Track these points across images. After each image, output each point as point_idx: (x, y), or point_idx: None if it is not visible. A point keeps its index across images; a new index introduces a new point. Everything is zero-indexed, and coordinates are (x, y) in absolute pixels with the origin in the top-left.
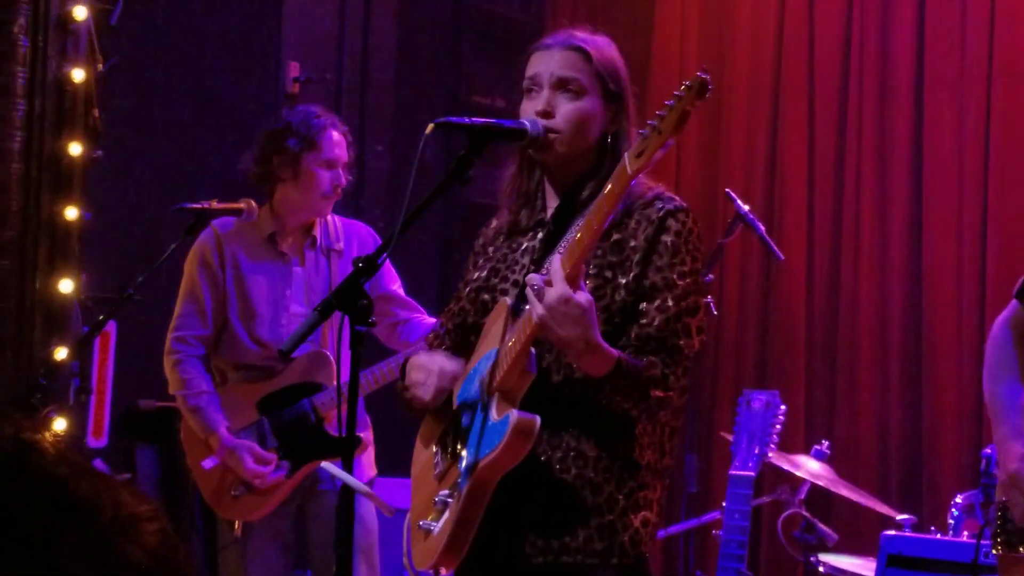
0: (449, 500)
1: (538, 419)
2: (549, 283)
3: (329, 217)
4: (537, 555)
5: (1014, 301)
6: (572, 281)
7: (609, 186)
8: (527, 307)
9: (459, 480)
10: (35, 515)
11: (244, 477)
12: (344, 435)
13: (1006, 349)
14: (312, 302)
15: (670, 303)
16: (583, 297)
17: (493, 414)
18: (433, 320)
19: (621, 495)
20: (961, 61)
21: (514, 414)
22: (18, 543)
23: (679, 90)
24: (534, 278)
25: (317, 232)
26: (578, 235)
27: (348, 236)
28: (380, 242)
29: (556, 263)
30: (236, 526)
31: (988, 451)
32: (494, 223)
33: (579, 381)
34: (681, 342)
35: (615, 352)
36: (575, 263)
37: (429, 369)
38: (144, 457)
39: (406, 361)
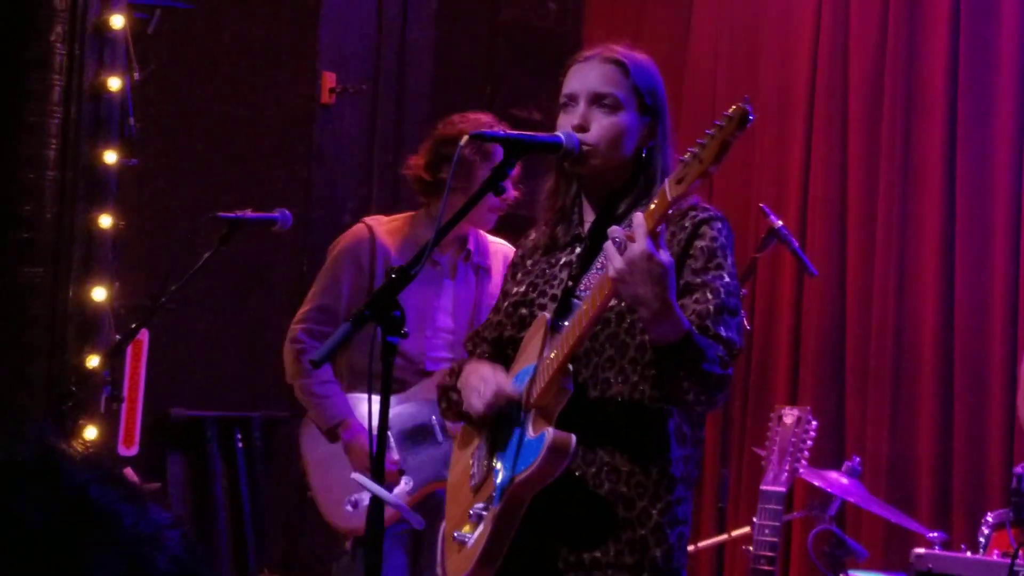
0: (484, 513)
1: (574, 437)
2: (631, 237)
3: (480, 234)
4: (569, 570)
5: None
6: (654, 238)
7: (651, 207)
8: (566, 323)
9: (494, 494)
10: (58, 522)
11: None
12: (379, 450)
13: None
14: (459, 317)
15: (709, 296)
16: (665, 256)
17: (530, 430)
18: None
19: (655, 510)
20: (996, 78)
21: (550, 432)
22: (40, 550)
23: (721, 119)
24: (616, 230)
25: (471, 246)
26: (650, 210)
27: (495, 254)
28: None
29: (639, 219)
30: (347, 541)
31: (1019, 469)
32: (532, 235)
33: (614, 397)
34: (723, 333)
35: (686, 321)
36: (655, 223)
37: (488, 380)
38: (175, 465)
39: (461, 364)
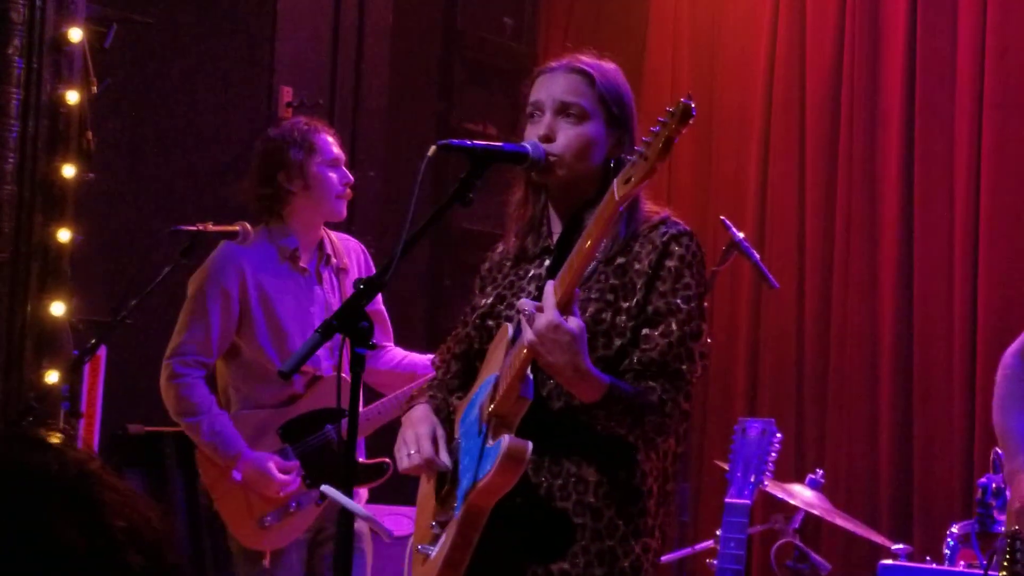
0: (445, 524)
1: (530, 444)
2: (540, 309)
3: (330, 233)
4: None
5: None
6: (564, 307)
7: (597, 212)
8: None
9: (455, 505)
10: (43, 501)
11: (272, 490)
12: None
13: (1016, 381)
14: None
15: (673, 327)
16: (574, 323)
17: (489, 439)
18: (402, 352)
19: (622, 520)
20: (952, 92)
21: (506, 439)
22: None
23: (663, 116)
24: (525, 303)
25: (328, 249)
26: (569, 261)
27: (347, 252)
28: (369, 256)
29: (548, 289)
30: (266, 557)
31: (984, 480)
32: (500, 247)
33: (579, 408)
34: (684, 367)
35: (606, 378)
36: (566, 289)
37: (422, 445)
38: (133, 481)
39: (413, 401)
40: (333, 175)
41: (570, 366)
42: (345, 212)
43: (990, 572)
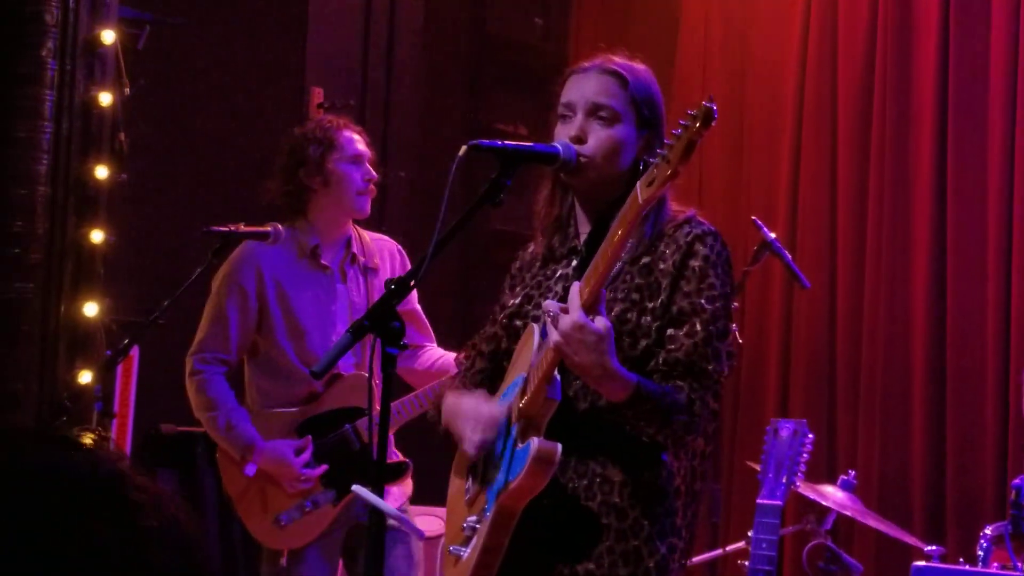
0: (476, 526)
1: (559, 446)
2: (566, 310)
3: (361, 232)
4: None
5: None
6: (590, 307)
7: (621, 214)
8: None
9: (485, 507)
10: (76, 495)
11: (292, 474)
12: (378, 459)
13: None
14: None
15: (698, 328)
16: (600, 323)
17: (518, 441)
18: (440, 351)
19: (647, 520)
20: (985, 90)
21: (535, 441)
22: (48, 520)
23: (685, 119)
24: (550, 305)
25: (355, 248)
26: (595, 262)
27: (380, 252)
28: (405, 256)
29: (574, 290)
30: (283, 556)
31: (1018, 481)
32: (531, 248)
33: (607, 408)
34: (710, 367)
35: (633, 377)
36: (592, 289)
37: (476, 419)
38: (165, 481)
39: (444, 396)
40: (355, 171)
41: (597, 366)
42: (368, 209)
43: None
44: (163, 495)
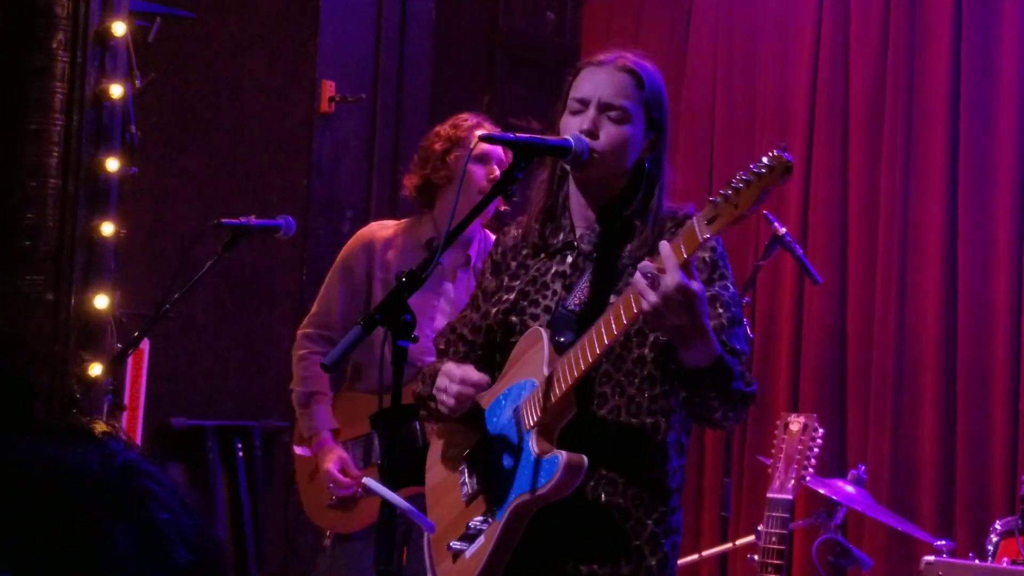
0: (483, 527)
1: (585, 459)
2: (661, 270)
3: (489, 235)
4: None
5: None
6: (685, 268)
7: (675, 242)
8: (562, 339)
9: (496, 509)
10: (93, 486)
11: (328, 479)
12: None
13: None
14: None
15: (720, 310)
16: (697, 285)
17: (534, 448)
18: None
19: (650, 520)
20: (996, 87)
21: (564, 455)
22: (65, 510)
23: (760, 165)
24: (646, 265)
25: (473, 252)
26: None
27: None
28: None
29: (667, 248)
30: (327, 536)
31: None
32: (513, 231)
33: (611, 410)
34: (738, 347)
35: (719, 345)
36: (690, 252)
37: (452, 375)
38: (175, 475)
39: (429, 370)
40: (479, 170)
41: (695, 326)
42: (492, 213)
43: None
44: (174, 486)
